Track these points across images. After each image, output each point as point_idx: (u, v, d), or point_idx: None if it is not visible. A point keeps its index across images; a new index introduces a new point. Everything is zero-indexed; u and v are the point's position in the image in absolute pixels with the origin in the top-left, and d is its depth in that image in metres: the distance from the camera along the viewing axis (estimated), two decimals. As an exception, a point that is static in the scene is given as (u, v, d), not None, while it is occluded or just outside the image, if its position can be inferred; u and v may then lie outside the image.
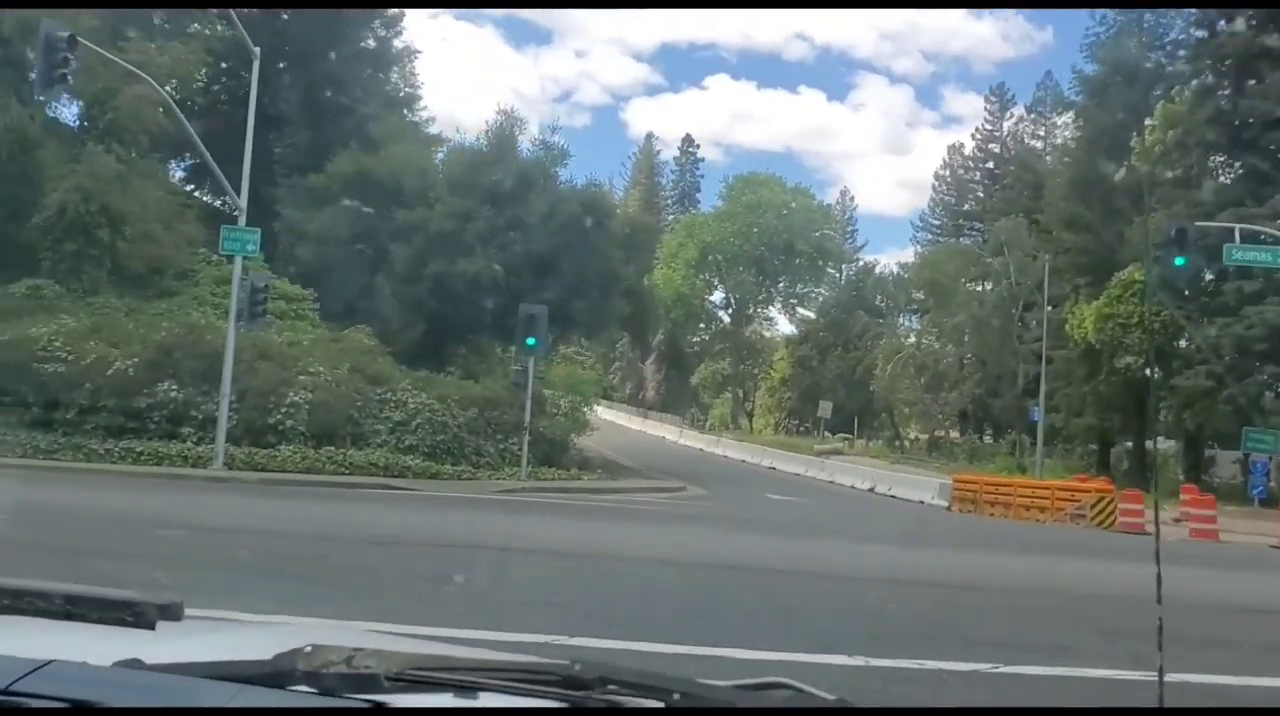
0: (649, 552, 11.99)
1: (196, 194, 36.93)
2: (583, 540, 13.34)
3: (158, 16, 32.53)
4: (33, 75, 26.73)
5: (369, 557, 10.35)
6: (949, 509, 28.85)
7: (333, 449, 22.32)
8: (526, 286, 29.61)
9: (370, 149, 33.41)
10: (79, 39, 19.54)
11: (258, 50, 21.76)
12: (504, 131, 33.80)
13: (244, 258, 21.55)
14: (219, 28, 31.89)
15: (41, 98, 17.46)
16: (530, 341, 24.14)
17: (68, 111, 29.14)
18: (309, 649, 1.42)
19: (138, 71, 21.73)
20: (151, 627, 1.49)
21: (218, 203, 33.09)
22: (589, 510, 19.22)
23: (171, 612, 1.51)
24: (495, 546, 11.47)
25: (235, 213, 21.52)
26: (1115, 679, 6.34)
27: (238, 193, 21.37)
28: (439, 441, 24.18)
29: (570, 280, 31.71)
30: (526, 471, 24.05)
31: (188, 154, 35.52)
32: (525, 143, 34.72)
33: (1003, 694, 6.01)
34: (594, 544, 12.75)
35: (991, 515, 27.87)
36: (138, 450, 21.17)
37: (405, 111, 42.49)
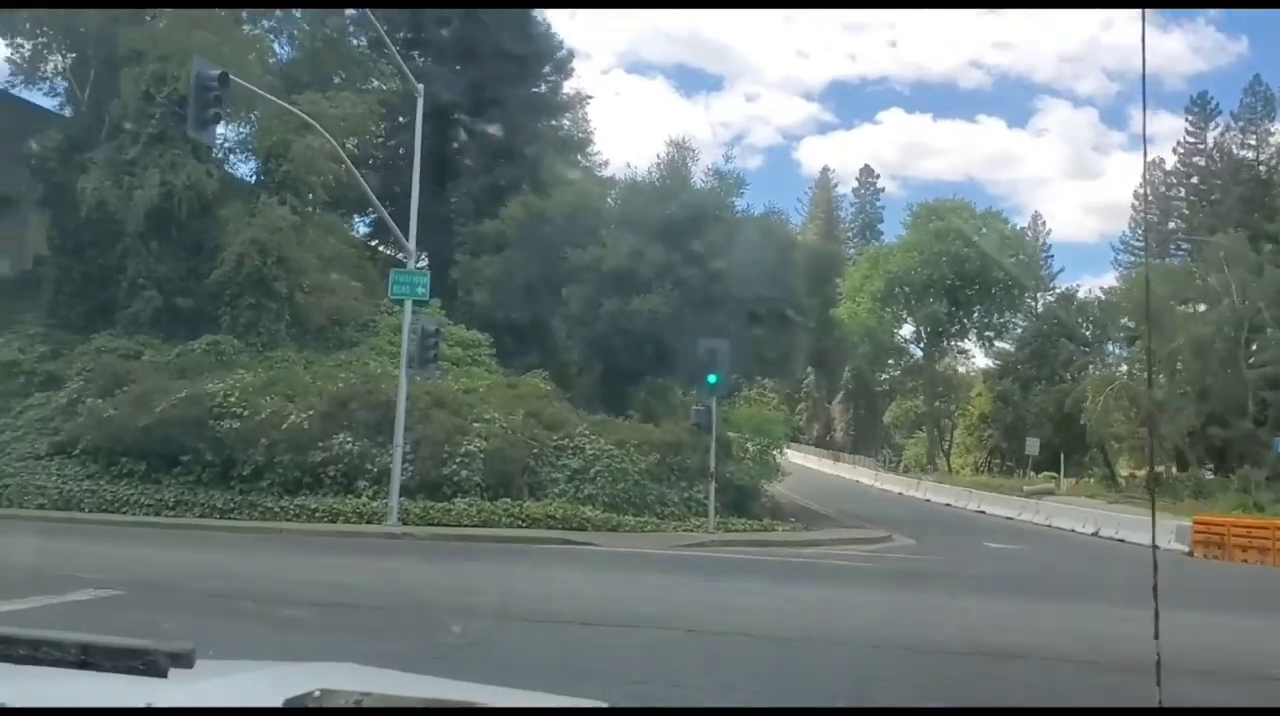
0: (879, 631, 9.71)
1: (381, 248, 37.07)
2: (794, 612, 11.17)
3: (336, 75, 32.78)
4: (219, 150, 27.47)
5: (557, 643, 8.55)
6: (1190, 554, 25.28)
7: (509, 501, 20.98)
8: (705, 322, 27.84)
9: (543, 193, 32.63)
10: (257, 91, 19.27)
11: (421, 87, 21.07)
12: (676, 163, 32.28)
13: (414, 301, 20.63)
14: (395, 84, 31.81)
15: (198, 137, 16.81)
16: (712, 379, 22.28)
17: (245, 168, 29.52)
18: (318, 693, 1.57)
19: (311, 122, 21.26)
20: (164, 675, 1.53)
21: (400, 254, 32.95)
22: (791, 569, 16.99)
23: (183, 660, 1.55)
24: (696, 625, 9.52)
25: (408, 257, 20.65)
26: None
27: (407, 236, 20.55)
28: (619, 490, 22.52)
29: (752, 314, 29.79)
30: (715, 522, 22.06)
31: (370, 209, 35.73)
32: (698, 174, 33.12)
33: None
34: (808, 619, 10.61)
35: (1244, 560, 24.15)
36: (312, 507, 20.42)
37: (578, 156, 41.85)
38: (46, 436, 22.79)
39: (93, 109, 26.82)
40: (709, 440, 22.97)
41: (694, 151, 33.20)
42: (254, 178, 28.43)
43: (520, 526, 20.31)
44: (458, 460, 21.17)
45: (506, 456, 21.75)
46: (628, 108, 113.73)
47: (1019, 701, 6.98)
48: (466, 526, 20.03)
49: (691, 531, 21.77)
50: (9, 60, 28.20)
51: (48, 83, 28.55)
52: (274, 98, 20.38)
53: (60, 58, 28.01)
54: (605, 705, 2.03)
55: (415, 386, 21.33)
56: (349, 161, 21.32)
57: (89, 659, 1.54)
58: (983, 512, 39.51)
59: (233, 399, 21.50)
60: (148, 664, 1.52)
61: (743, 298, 30.01)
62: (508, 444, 22.01)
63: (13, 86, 28.40)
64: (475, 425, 22.16)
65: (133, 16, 26.32)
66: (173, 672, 1.52)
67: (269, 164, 26.38)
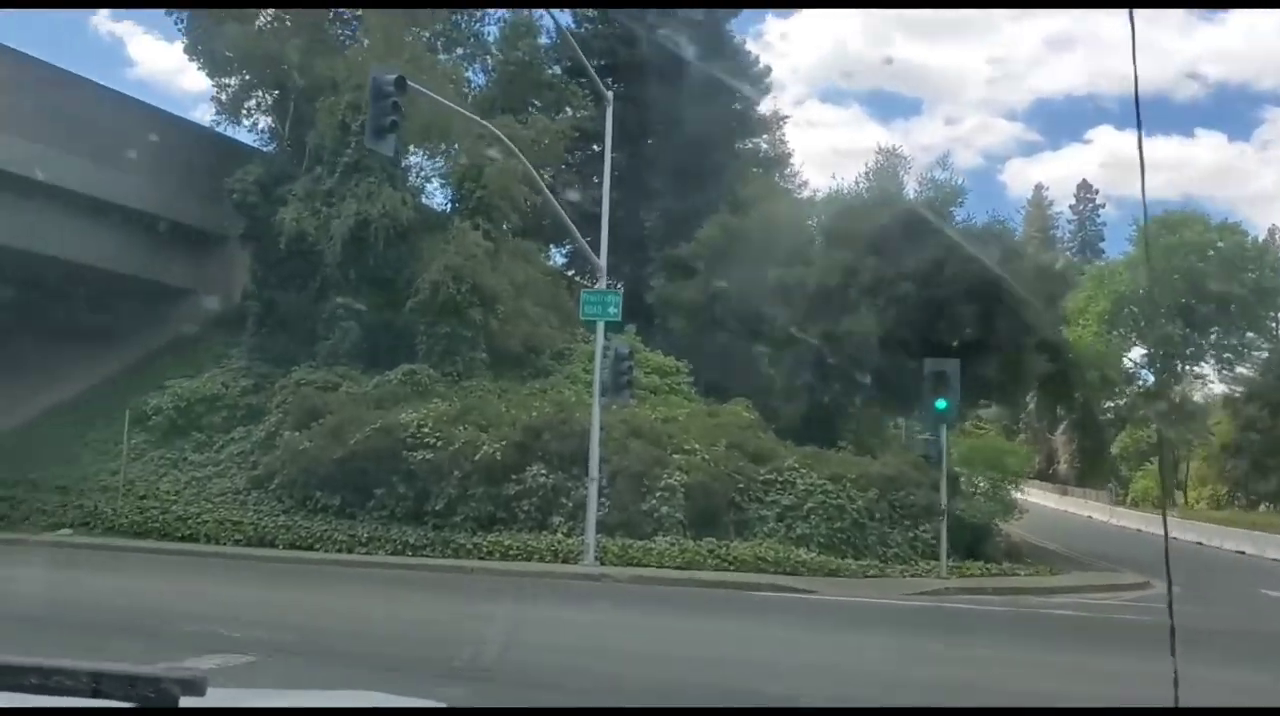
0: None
1: (576, 278, 36.25)
2: (1109, 697, 8.69)
3: (528, 103, 32.22)
4: (406, 163, 27.14)
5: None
6: None
7: (714, 540, 19.10)
8: (923, 343, 25.24)
9: (740, 213, 30.88)
10: (450, 104, 18.41)
11: (610, 95, 19.79)
12: (886, 172, 29.89)
13: (607, 324, 19.18)
14: (587, 108, 30.93)
15: (375, 147, 15.91)
16: (941, 404, 19.78)
17: (439, 197, 29.09)
18: None
19: (503, 138, 20.28)
20: (175, 704, 1.54)
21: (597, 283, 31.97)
22: (1054, 627, 14.30)
23: (195, 688, 1.56)
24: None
25: (599, 276, 19.27)
26: None
27: (598, 254, 19.18)
28: (835, 530, 20.27)
29: (974, 334, 26.93)
30: (947, 566, 19.47)
31: (564, 239, 34.98)
32: (911, 184, 30.62)
33: None
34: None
35: None
36: (506, 544, 19.17)
37: (775, 176, 39.94)
38: (246, 470, 22.60)
39: (293, 142, 26.95)
40: (935, 474, 20.49)
41: (906, 159, 30.71)
42: (448, 205, 27.94)
43: (727, 569, 18.39)
44: (657, 494, 19.49)
45: (710, 491, 19.92)
46: (823, 138, 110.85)
47: None
48: (668, 567, 18.27)
49: (921, 576, 19.30)
50: (214, 99, 28.87)
51: (251, 119, 29.01)
52: (468, 113, 19.48)
53: (262, 94, 28.41)
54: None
55: (611, 415, 19.87)
56: (540, 182, 20.15)
57: (101, 687, 1.55)
58: (1242, 553, 34.83)
59: (426, 429, 20.63)
60: (159, 692, 1.52)
61: (964, 316, 27.27)
62: (711, 477, 20.19)
63: (218, 124, 29.01)
64: (675, 457, 20.47)
65: (329, 47, 26.36)
66: (184, 701, 1.53)
67: (462, 189, 25.72)
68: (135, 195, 25.72)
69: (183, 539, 21.04)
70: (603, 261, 19.06)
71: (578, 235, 19.25)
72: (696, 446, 20.94)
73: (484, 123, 20.09)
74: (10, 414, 25.55)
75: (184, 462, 23.52)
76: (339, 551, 20.04)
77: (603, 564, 18.26)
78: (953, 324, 26.72)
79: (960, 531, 21.12)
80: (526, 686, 7.82)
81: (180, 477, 23.08)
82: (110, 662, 1.56)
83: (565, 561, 18.56)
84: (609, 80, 33.39)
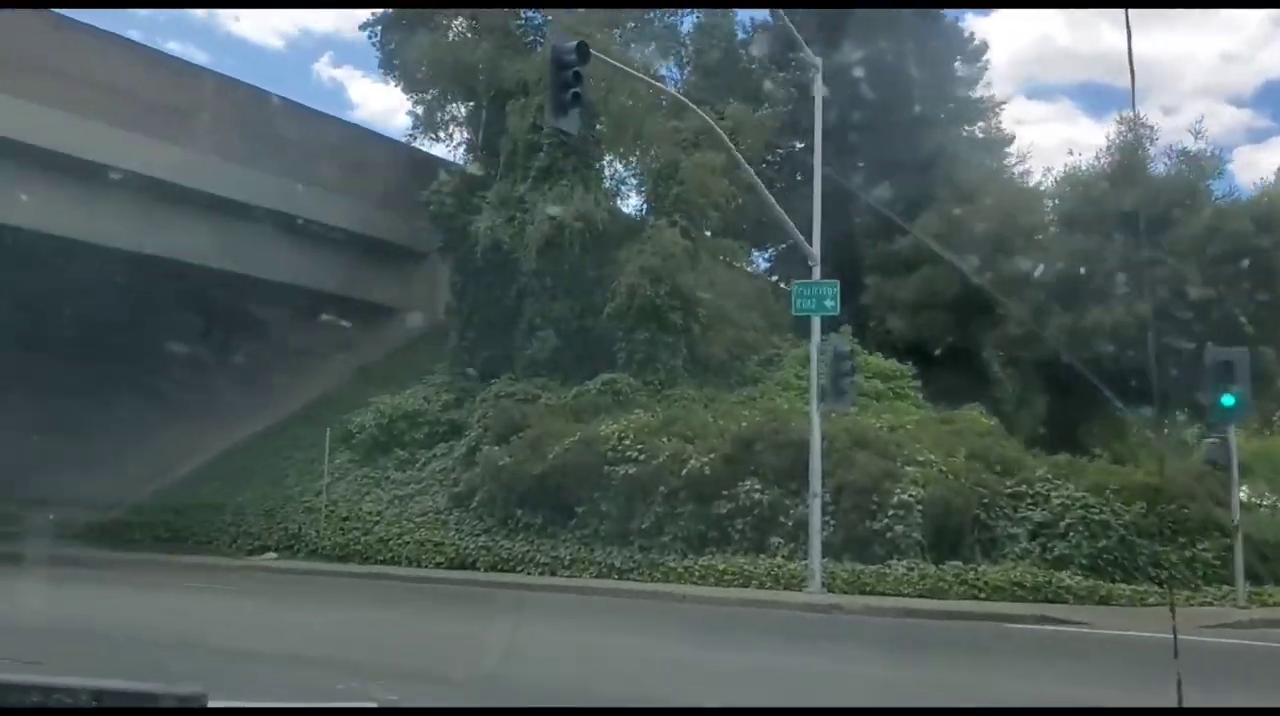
0: None
1: (781, 285, 34.19)
2: None
3: (724, 99, 30.45)
4: (598, 166, 25.93)
5: None
6: None
7: (959, 564, 16.65)
8: (1186, 335, 21.87)
9: (961, 201, 28.07)
10: (647, 79, 16.95)
11: (819, 60, 17.79)
12: (1128, 145, 26.42)
13: (821, 318, 17.15)
14: (787, 92, 28.94)
15: (557, 125, 14.69)
16: (1228, 400, 16.56)
17: (635, 199, 27.77)
18: None
19: (709, 119, 18.54)
20: None
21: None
22: None
23: (194, 703, 1.59)
24: None
25: (811, 264, 17.23)
26: None
27: (810, 242, 17.17)
28: (1100, 549, 17.39)
29: (1248, 322, 23.32)
30: (1245, 592, 16.28)
31: (768, 242, 33.02)
32: (1158, 159, 26.98)
33: None
34: None
35: None
36: (720, 568, 17.35)
37: (993, 160, 36.58)
38: (447, 488, 21.77)
39: (487, 150, 26.26)
40: (1211, 483, 17.44)
41: (1152, 129, 27.12)
42: (642, 208, 26.55)
43: (976, 596, 15.94)
44: (890, 512, 17.21)
45: (950, 507, 17.48)
46: (1033, 134, 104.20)
47: None
48: (906, 595, 15.99)
49: (1212, 604, 16.19)
50: (410, 113, 28.66)
51: (444, 130, 28.61)
52: (664, 87, 17.93)
53: (455, 103, 27.92)
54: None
55: (831, 424, 17.76)
56: (747, 167, 18.28)
57: (101, 704, 1.56)
58: None
59: (627, 441, 19.15)
60: (158, 708, 1.55)
61: (1233, 302, 23.70)
62: (951, 492, 17.74)
63: (414, 139, 28.76)
64: (908, 469, 18.12)
65: (518, 52, 25.49)
66: None
67: (657, 187, 24.26)
68: (340, 214, 25.70)
69: (383, 562, 20.36)
70: (816, 248, 17.01)
71: (787, 220, 17.29)
72: (931, 457, 18.54)
73: (686, 100, 18.39)
74: (224, 435, 25.86)
75: (386, 481, 22.97)
76: (540, 574, 18.78)
77: (830, 591, 16.18)
78: (1223, 312, 23.22)
79: (1245, 550, 17.80)
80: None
81: (382, 497, 22.51)
82: (110, 680, 1.57)
83: (787, 587, 16.58)
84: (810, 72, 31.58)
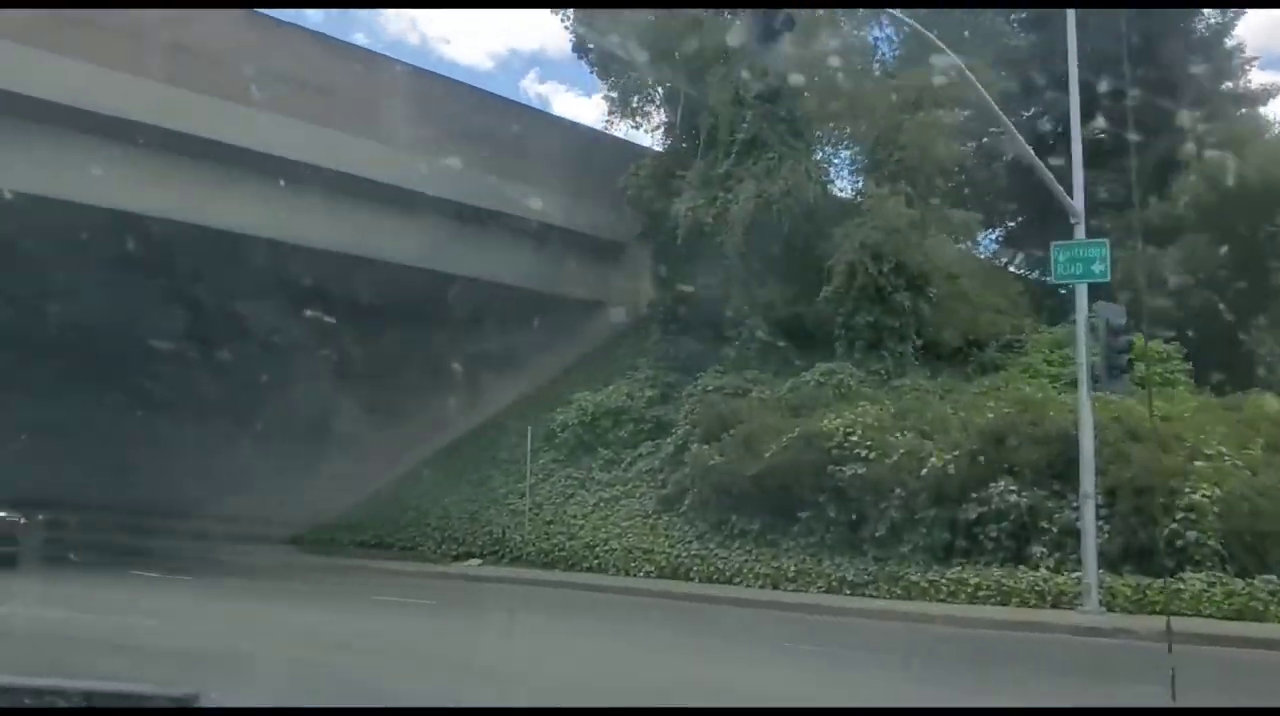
0: None
1: (1009, 268, 30.94)
2: None
3: (967, 29, 27.33)
4: (816, 148, 23.79)
5: None
6: None
7: (1273, 578, 13.66)
8: None
9: (1220, 161, 24.22)
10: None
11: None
12: None
13: (1089, 284, 14.52)
14: (1024, 37, 25.78)
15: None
16: None
17: (849, 173, 25.38)
18: None
19: (949, 53, 15.88)
20: None
21: (1032, 274, 26.65)
22: None
23: (187, 703, 1.59)
24: None
25: (1074, 219, 14.58)
26: None
27: (1070, 194, 14.54)
28: None
29: None
30: None
31: (994, 223, 29.82)
32: None
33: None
34: None
35: None
36: (971, 582, 15.00)
37: (1249, 111, 31.92)
38: (654, 489, 20.23)
39: (685, 129, 24.63)
40: None
41: None
42: (858, 181, 24.17)
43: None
44: (1179, 516, 14.34)
45: (1256, 509, 14.44)
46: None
47: None
48: (1208, 615, 13.19)
49: None
50: (605, 97, 27.37)
51: (641, 113, 27.11)
52: (918, 24, 15.67)
53: (650, 83, 26.38)
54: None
55: (1098, 413, 15.03)
56: (998, 111, 15.71)
57: (93, 705, 1.56)
58: None
59: (854, 437, 16.99)
60: (150, 710, 1.57)
61: None
62: (1253, 490, 14.69)
63: (610, 125, 27.46)
64: (1195, 464, 15.16)
65: (712, 19, 23.63)
66: None
67: (875, 153, 21.90)
68: (539, 208, 24.72)
69: (590, 570, 19.04)
70: (1079, 202, 14.38)
71: (1043, 168, 14.74)
72: (1222, 449, 15.50)
73: (922, 29, 15.83)
74: (431, 438, 25.33)
75: (591, 482, 21.67)
76: (762, 586, 16.92)
77: (1109, 610, 13.58)
78: None
79: None
80: None
81: (588, 499, 21.22)
82: (102, 681, 1.59)
83: (1055, 606, 14.08)
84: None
